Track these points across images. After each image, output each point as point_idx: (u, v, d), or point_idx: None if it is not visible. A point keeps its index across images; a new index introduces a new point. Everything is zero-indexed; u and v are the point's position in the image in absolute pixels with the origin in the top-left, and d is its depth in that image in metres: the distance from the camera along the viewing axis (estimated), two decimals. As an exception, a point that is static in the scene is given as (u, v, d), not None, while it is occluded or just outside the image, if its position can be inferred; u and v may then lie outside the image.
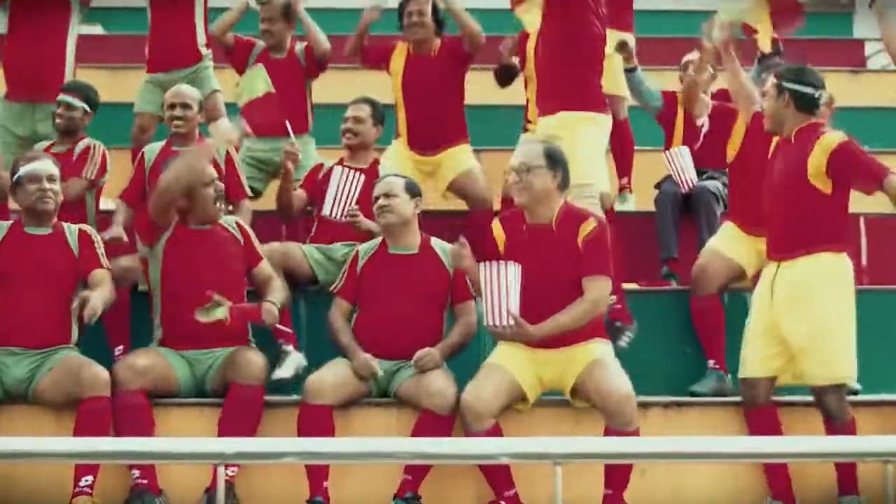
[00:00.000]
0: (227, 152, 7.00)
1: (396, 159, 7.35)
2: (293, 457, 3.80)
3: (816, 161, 5.77)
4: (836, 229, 5.86)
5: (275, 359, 6.31)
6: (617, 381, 5.70)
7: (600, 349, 5.84)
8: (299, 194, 7.01)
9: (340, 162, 7.05)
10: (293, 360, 6.48)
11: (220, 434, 5.76)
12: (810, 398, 5.93)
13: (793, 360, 5.86)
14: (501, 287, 5.59)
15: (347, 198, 6.62)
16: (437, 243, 6.23)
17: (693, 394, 6.42)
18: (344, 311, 6.18)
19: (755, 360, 5.94)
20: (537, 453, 3.89)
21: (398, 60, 7.50)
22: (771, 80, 5.96)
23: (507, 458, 3.89)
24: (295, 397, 6.02)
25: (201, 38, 8.09)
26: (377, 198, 6.18)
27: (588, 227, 5.84)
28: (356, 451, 3.85)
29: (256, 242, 6.22)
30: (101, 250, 6.07)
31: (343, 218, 6.63)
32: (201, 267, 5.99)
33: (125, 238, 6.61)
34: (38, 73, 7.49)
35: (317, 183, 7.00)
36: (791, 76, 5.91)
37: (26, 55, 7.56)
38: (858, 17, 12.35)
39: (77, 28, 7.77)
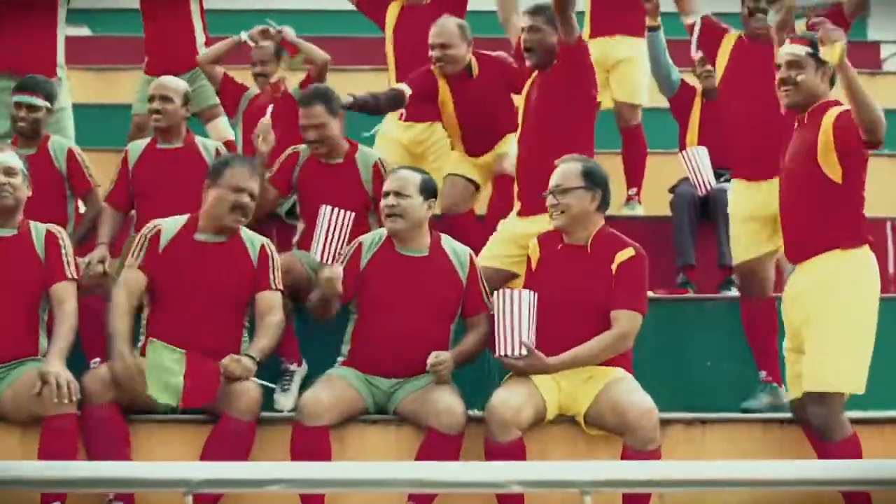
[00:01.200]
0: (217, 150, 6.59)
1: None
2: (279, 485, 3.24)
3: (824, 137, 5.21)
4: (852, 223, 5.28)
5: (273, 374, 5.91)
6: (636, 395, 5.29)
7: (620, 372, 5.43)
8: (269, 189, 6.46)
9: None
10: (297, 380, 6.03)
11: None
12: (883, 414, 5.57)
13: None
14: (514, 315, 5.26)
15: (339, 241, 5.85)
16: (448, 244, 5.71)
17: (746, 410, 5.94)
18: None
19: (790, 377, 5.51)
20: (563, 481, 3.35)
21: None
22: (805, 49, 5.33)
23: (525, 486, 3.34)
24: (288, 415, 5.59)
25: (200, 38, 7.81)
26: (387, 193, 5.63)
27: (625, 255, 5.43)
28: (353, 477, 3.29)
29: (274, 268, 5.64)
30: (67, 257, 5.60)
31: (332, 264, 5.94)
32: (192, 283, 5.50)
33: (107, 265, 6.11)
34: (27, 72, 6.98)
35: (289, 176, 6.46)
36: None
37: (14, 54, 7.19)
38: (873, 19, 12.07)
39: (65, 29, 7.44)
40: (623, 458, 5.21)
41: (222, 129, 7.67)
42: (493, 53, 6.98)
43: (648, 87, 7.85)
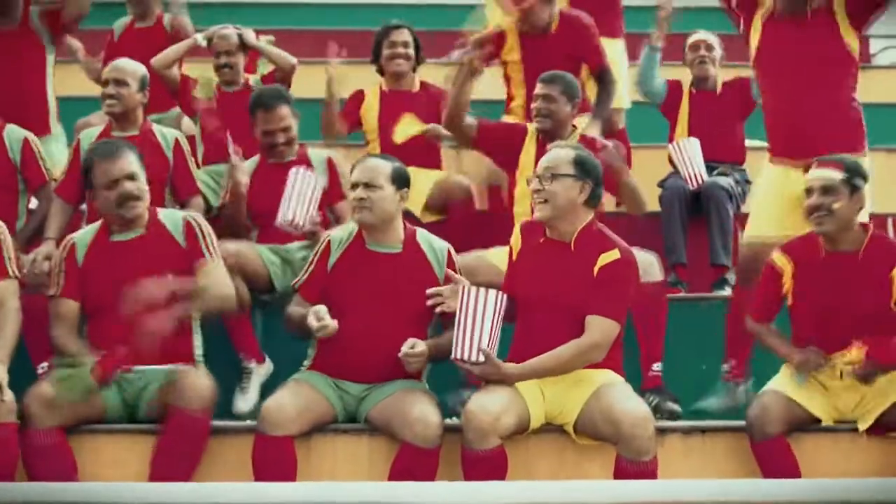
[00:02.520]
0: (177, 140, 6.23)
1: None
2: None
3: None
4: None
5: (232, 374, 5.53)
6: (630, 402, 4.86)
7: (612, 376, 5.01)
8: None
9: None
10: (257, 381, 5.66)
11: (153, 470, 4.85)
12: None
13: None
14: (476, 316, 4.82)
15: (309, 203, 5.68)
16: (424, 238, 5.27)
17: (700, 412, 5.66)
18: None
19: None
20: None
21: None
22: (840, 175, 5.18)
23: None
24: (249, 423, 5.12)
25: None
26: (356, 185, 5.18)
27: (609, 258, 4.98)
28: (318, 500, 2.74)
29: (206, 241, 5.21)
30: (8, 252, 5.15)
31: (304, 226, 5.70)
32: (121, 287, 5.01)
33: (53, 262, 5.62)
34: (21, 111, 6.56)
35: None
36: None
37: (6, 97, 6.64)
38: (864, 13, 11.72)
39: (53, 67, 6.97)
40: (616, 469, 4.82)
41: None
42: (575, 13, 6.91)
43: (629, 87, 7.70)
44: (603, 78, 6.86)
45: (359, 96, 7.14)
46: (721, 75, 7.48)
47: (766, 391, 5.18)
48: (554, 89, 6.11)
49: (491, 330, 4.84)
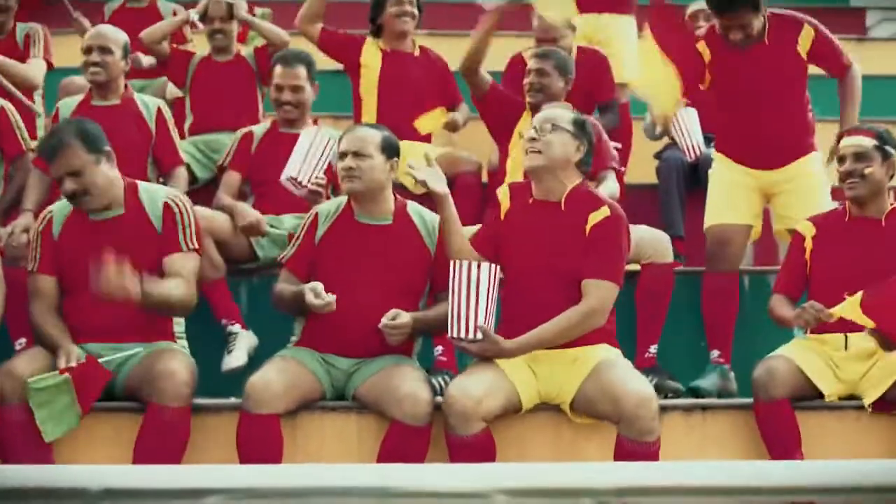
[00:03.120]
0: (159, 109, 6.02)
1: None
2: (216, 496, 2.49)
3: None
4: None
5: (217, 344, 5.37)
6: (633, 382, 4.67)
7: (610, 352, 4.82)
8: (233, 178, 5.98)
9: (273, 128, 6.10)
10: (244, 342, 5.49)
11: (134, 464, 4.67)
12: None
13: None
14: (470, 291, 4.62)
15: (317, 164, 5.46)
16: (415, 210, 5.08)
17: (695, 391, 5.49)
18: (292, 286, 5.03)
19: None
20: (564, 489, 2.62)
21: None
22: (872, 142, 5.21)
23: (514, 496, 2.60)
24: (234, 401, 4.91)
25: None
26: (344, 154, 4.98)
27: (599, 216, 4.79)
28: (303, 484, 2.55)
29: (185, 228, 4.94)
30: None
31: (309, 184, 5.48)
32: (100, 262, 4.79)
33: (32, 234, 5.45)
34: None
35: (251, 155, 6.00)
36: None
37: None
38: (857, -15, 11.62)
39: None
40: (617, 450, 4.63)
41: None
42: (592, 48, 7.05)
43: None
44: (609, 108, 6.94)
45: (360, 39, 6.84)
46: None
47: (775, 355, 5.05)
48: (547, 63, 6.06)
49: (486, 305, 4.65)
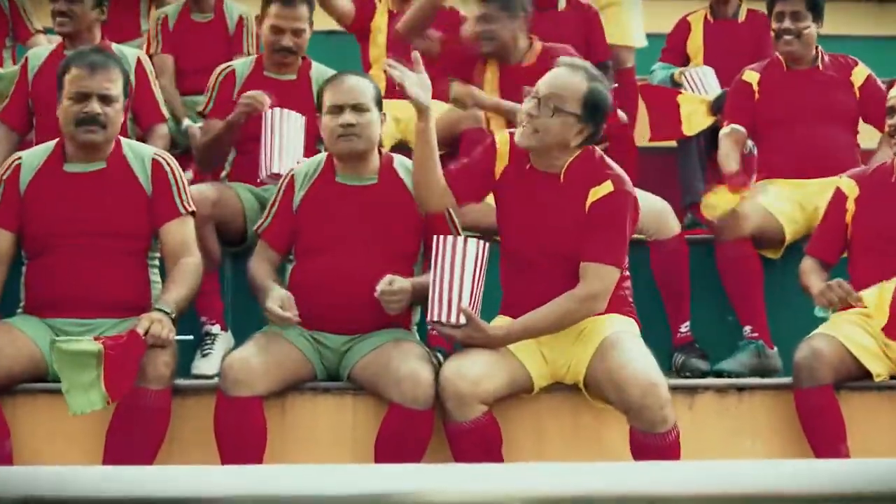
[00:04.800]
0: (139, 60, 5.49)
1: None
2: None
3: None
4: None
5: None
6: (636, 364, 4.14)
7: (618, 324, 4.30)
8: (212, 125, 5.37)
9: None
10: (221, 346, 4.93)
11: (107, 451, 4.17)
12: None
13: None
14: (455, 269, 4.10)
15: (295, 149, 4.92)
16: (401, 164, 4.57)
17: (721, 374, 4.99)
18: (269, 261, 4.52)
19: None
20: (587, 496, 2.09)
21: None
22: None
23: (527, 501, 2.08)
24: (213, 382, 4.43)
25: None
26: (339, 108, 4.47)
27: (602, 191, 4.24)
28: (285, 492, 1.99)
29: (179, 189, 4.47)
30: None
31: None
32: (75, 217, 4.37)
33: None
34: None
35: (233, 102, 5.32)
36: None
37: None
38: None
39: None
40: (631, 442, 4.15)
41: None
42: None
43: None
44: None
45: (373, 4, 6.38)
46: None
47: (817, 334, 4.55)
48: (491, 7, 5.47)
49: (472, 285, 4.14)
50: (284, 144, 4.91)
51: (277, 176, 4.80)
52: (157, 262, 4.51)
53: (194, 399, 4.36)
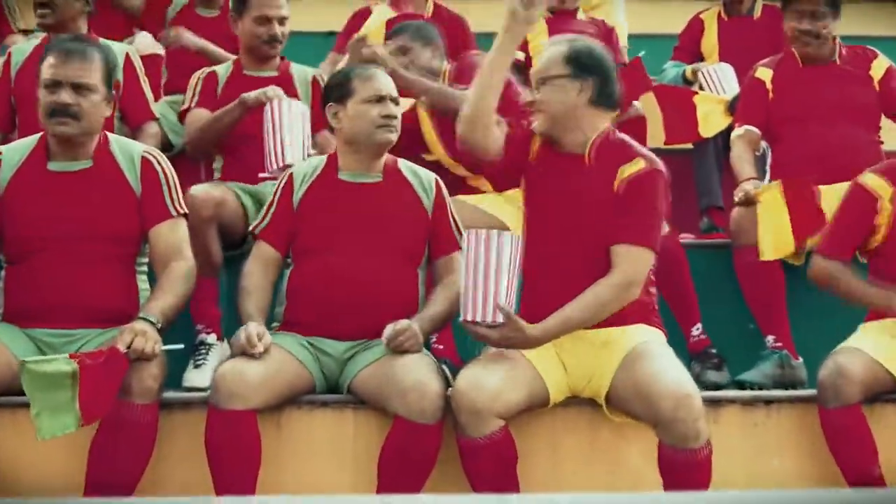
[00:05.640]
0: (127, 56, 5.31)
1: None
2: None
3: None
4: None
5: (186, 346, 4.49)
6: (669, 375, 3.88)
7: (645, 334, 4.04)
8: (203, 115, 5.16)
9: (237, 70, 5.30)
10: (216, 357, 4.68)
11: (90, 468, 3.90)
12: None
13: None
14: (490, 267, 3.83)
15: (303, 141, 4.72)
16: (407, 167, 4.37)
17: (742, 385, 4.77)
18: (266, 263, 4.27)
19: None
20: None
21: None
22: None
23: None
24: (203, 395, 4.15)
25: None
26: (381, 98, 4.29)
27: (632, 168, 4.01)
28: None
29: (170, 189, 4.21)
30: None
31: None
32: (59, 219, 4.11)
33: None
34: None
35: (217, 99, 5.18)
36: None
37: None
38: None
39: None
40: (660, 459, 3.88)
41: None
42: None
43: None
44: None
45: (365, 15, 6.23)
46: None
47: (844, 349, 4.27)
48: (404, 38, 5.28)
49: (508, 282, 3.87)
50: (292, 134, 4.71)
51: (286, 168, 4.59)
52: (145, 269, 4.25)
53: (184, 413, 4.09)
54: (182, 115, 5.30)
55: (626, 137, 4.15)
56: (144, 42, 6.25)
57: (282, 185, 4.31)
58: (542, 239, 4.06)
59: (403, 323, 4.05)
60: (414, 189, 4.28)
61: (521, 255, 3.90)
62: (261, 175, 4.79)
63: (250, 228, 4.37)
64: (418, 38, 5.27)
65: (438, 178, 4.39)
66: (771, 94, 5.33)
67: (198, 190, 4.64)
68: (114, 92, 4.21)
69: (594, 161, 4.05)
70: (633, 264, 3.97)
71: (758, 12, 6.62)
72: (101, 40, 5.26)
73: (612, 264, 3.97)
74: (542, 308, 3.95)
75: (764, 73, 5.38)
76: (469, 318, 3.88)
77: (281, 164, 4.66)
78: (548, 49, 4.14)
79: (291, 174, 4.32)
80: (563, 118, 4.05)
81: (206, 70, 5.29)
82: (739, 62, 6.23)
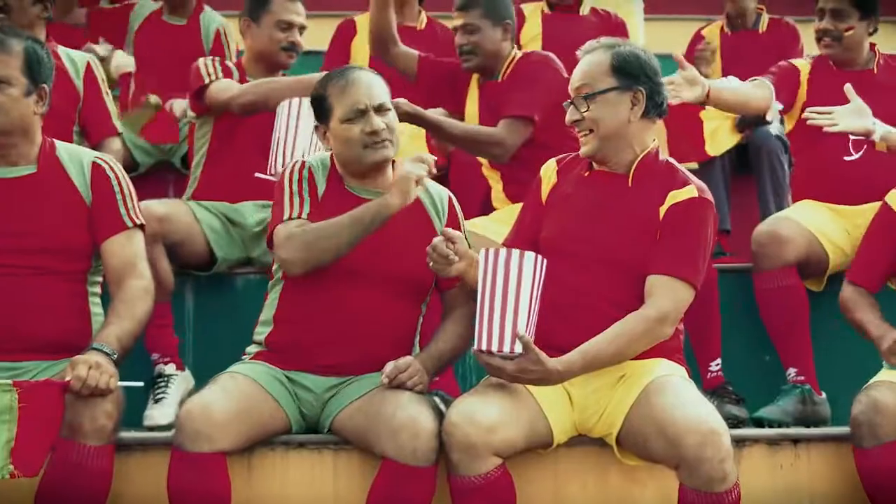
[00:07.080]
0: (89, 66, 5.05)
1: None
2: None
3: None
4: None
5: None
6: (694, 409, 3.53)
7: (665, 368, 3.70)
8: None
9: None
10: (178, 389, 4.37)
11: None
12: None
13: None
14: (509, 290, 3.47)
15: (312, 141, 4.43)
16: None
17: (761, 422, 4.46)
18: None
19: None
20: None
21: None
22: None
23: None
24: (165, 435, 3.80)
25: None
26: (355, 113, 3.80)
27: (683, 194, 3.70)
28: None
29: (125, 197, 3.85)
30: None
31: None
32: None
33: None
34: None
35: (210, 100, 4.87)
36: None
37: None
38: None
39: None
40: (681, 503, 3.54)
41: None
42: None
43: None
44: None
45: (350, 27, 6.06)
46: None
47: (877, 382, 3.96)
48: (472, 16, 4.92)
49: (529, 309, 3.50)
50: (304, 136, 4.46)
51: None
52: (98, 290, 3.87)
53: (143, 455, 3.76)
54: (201, 91, 4.92)
55: (673, 160, 3.83)
56: (125, 61, 6.10)
57: (305, 174, 3.85)
58: (567, 264, 3.70)
59: (406, 359, 3.71)
60: (425, 208, 3.89)
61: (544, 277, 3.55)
62: (258, 175, 4.50)
63: (288, 215, 3.80)
64: (489, 15, 4.90)
65: (452, 195, 4.00)
66: (805, 87, 4.98)
67: (141, 205, 4.25)
68: (44, 86, 3.80)
69: (637, 182, 3.74)
70: (670, 298, 3.64)
71: (763, 26, 6.51)
72: (62, 49, 5.13)
73: (647, 295, 3.65)
74: (563, 340, 3.61)
75: (802, 65, 5.04)
76: (483, 347, 3.52)
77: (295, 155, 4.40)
78: (584, 59, 3.81)
79: (310, 167, 3.87)
80: (616, 137, 3.73)
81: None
82: (745, 78, 6.00)
